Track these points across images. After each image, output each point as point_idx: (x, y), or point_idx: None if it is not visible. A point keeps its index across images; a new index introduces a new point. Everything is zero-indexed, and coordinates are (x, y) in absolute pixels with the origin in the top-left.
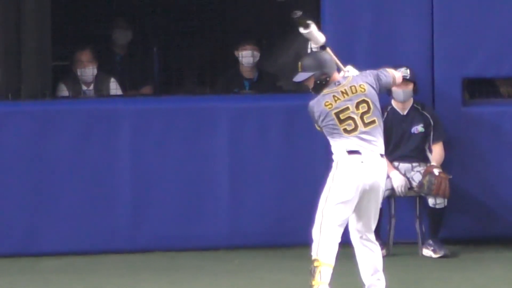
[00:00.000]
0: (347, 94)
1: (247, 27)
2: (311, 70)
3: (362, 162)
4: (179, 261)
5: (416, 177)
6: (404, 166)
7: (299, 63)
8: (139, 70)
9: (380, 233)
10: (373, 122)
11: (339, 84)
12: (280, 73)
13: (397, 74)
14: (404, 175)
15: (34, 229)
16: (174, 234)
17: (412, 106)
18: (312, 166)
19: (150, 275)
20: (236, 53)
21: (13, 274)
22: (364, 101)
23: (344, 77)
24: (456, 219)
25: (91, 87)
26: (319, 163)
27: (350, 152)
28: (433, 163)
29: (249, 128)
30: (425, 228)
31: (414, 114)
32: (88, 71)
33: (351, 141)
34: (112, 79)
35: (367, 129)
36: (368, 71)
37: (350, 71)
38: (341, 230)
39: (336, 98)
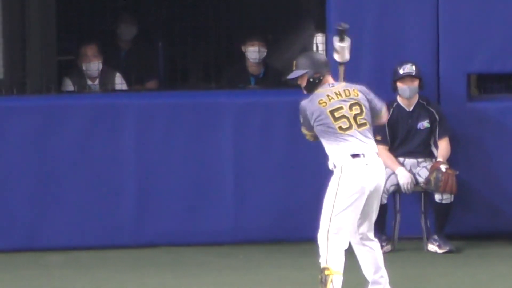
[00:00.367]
0: (340, 95)
1: (253, 22)
2: (305, 68)
3: (366, 164)
4: (184, 257)
5: (422, 172)
6: (410, 161)
7: (294, 61)
8: (144, 65)
9: (385, 228)
10: (365, 124)
11: (333, 86)
12: (286, 69)
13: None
14: (410, 171)
15: (38, 223)
16: (178, 230)
17: (418, 102)
18: (316, 162)
19: (155, 270)
20: (243, 48)
21: (17, 269)
22: (357, 103)
23: (338, 82)
24: (461, 215)
25: (96, 81)
26: (324, 158)
27: (354, 155)
28: (439, 158)
29: (254, 123)
30: (430, 223)
31: (420, 110)
32: (93, 65)
33: (351, 144)
34: (117, 74)
35: (360, 130)
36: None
37: None
38: (348, 236)
39: (330, 98)
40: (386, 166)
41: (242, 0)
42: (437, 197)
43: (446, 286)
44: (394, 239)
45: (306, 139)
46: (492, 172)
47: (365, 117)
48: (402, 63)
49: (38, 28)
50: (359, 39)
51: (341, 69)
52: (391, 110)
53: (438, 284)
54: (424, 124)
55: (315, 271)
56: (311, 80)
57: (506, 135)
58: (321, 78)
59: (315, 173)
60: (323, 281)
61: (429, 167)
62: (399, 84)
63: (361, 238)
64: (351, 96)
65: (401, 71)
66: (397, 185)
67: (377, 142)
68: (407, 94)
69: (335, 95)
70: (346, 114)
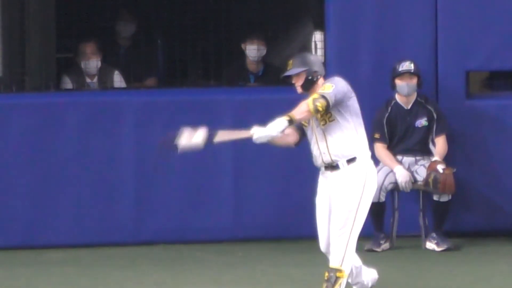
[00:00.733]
0: None
1: (252, 19)
2: (303, 66)
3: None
4: (182, 254)
5: (420, 170)
6: (408, 159)
7: (290, 61)
8: (143, 63)
9: (383, 226)
10: None
11: None
12: (285, 66)
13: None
14: (408, 169)
15: (37, 221)
16: (177, 227)
17: (416, 100)
18: None
19: (153, 267)
20: (243, 45)
21: (16, 266)
22: None
23: None
24: (459, 212)
25: (95, 79)
26: None
27: (370, 156)
28: (436, 156)
29: (253, 120)
30: (429, 221)
31: (418, 108)
32: (92, 63)
33: (365, 138)
34: (116, 72)
35: None
36: None
37: None
38: None
39: None
40: (385, 164)
41: None
42: (435, 195)
43: (444, 284)
44: (392, 237)
45: (304, 115)
46: (491, 170)
47: None
48: (401, 60)
49: (37, 26)
50: (358, 36)
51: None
52: (389, 108)
53: (436, 282)
54: (422, 122)
55: (313, 268)
56: (310, 78)
57: (505, 133)
58: (318, 77)
59: (315, 171)
60: (332, 281)
61: (427, 165)
62: (397, 81)
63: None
64: None
65: (399, 68)
66: (395, 183)
67: (376, 140)
68: (405, 91)
69: None
70: None
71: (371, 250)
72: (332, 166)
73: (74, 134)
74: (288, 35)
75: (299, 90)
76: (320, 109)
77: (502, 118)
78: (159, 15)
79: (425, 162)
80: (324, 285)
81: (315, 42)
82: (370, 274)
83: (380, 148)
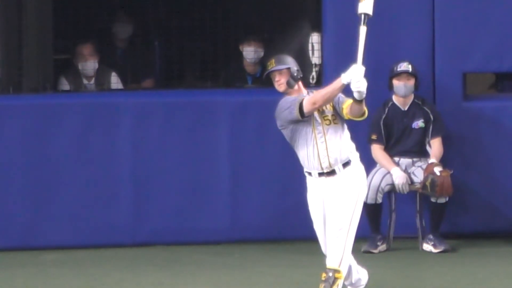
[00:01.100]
0: None
1: (249, 21)
2: (287, 64)
3: None
4: (180, 255)
5: (417, 172)
6: (405, 161)
7: (271, 60)
8: (140, 64)
9: (380, 228)
10: None
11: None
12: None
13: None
14: (405, 170)
15: (34, 222)
16: (174, 228)
17: (413, 102)
18: None
19: (151, 269)
20: (240, 47)
21: (13, 267)
22: None
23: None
24: (456, 214)
25: (92, 80)
26: None
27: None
28: (432, 158)
29: (250, 122)
30: (426, 222)
31: (415, 110)
32: (89, 64)
33: None
34: (113, 73)
35: None
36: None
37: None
38: None
39: None
40: (382, 166)
41: None
42: (433, 197)
43: (441, 286)
44: (389, 238)
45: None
46: (488, 171)
47: None
48: (399, 61)
49: (34, 27)
50: (355, 38)
51: (364, 29)
52: (386, 109)
53: (433, 283)
54: (419, 123)
55: (311, 269)
56: (295, 75)
57: (502, 134)
58: (301, 76)
59: None
60: (330, 282)
61: (424, 166)
62: (394, 82)
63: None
64: None
65: (397, 69)
66: (392, 184)
67: (373, 141)
68: (402, 92)
69: None
70: None
71: (368, 252)
72: (327, 172)
73: (72, 135)
74: (286, 37)
75: (282, 87)
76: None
77: (499, 120)
78: (156, 16)
79: (422, 163)
80: (322, 285)
81: (312, 43)
82: (361, 274)
83: (377, 150)
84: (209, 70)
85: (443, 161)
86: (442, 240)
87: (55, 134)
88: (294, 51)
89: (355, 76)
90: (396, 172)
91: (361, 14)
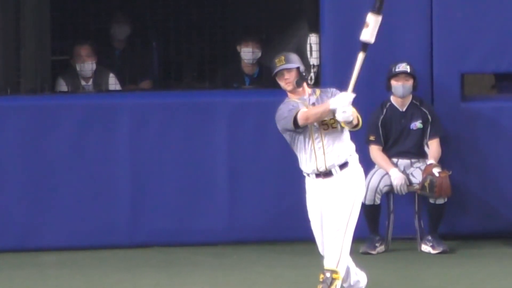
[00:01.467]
0: None
1: (247, 21)
2: (296, 63)
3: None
4: (177, 256)
5: (416, 173)
6: (403, 162)
7: (282, 56)
8: (138, 65)
9: (378, 229)
10: None
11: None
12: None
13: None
14: (403, 171)
15: (33, 224)
16: (172, 229)
17: (411, 102)
18: None
19: (149, 270)
20: (238, 47)
21: (11, 268)
22: None
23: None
24: (454, 215)
25: (90, 82)
26: None
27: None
28: (431, 159)
29: (248, 123)
30: (424, 223)
31: (413, 110)
32: (87, 66)
33: None
34: (111, 74)
35: None
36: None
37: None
38: None
39: None
40: (380, 167)
41: (236, 0)
42: (431, 198)
43: (439, 287)
44: (388, 239)
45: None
46: (486, 172)
47: None
48: (397, 62)
49: (32, 28)
50: (353, 39)
51: (363, 56)
52: (384, 110)
53: (431, 284)
54: (417, 124)
55: (308, 270)
56: (303, 75)
57: (500, 135)
58: (307, 76)
59: None
60: (328, 282)
61: (422, 167)
62: (393, 82)
63: None
64: None
65: (395, 69)
66: (391, 185)
67: (371, 142)
68: (400, 92)
69: None
70: None
71: (367, 253)
72: (324, 174)
73: (69, 136)
74: (283, 38)
75: (290, 86)
76: (359, 126)
77: (497, 121)
78: (154, 17)
79: (421, 164)
80: (320, 286)
81: (310, 44)
82: (360, 276)
83: (375, 151)
84: (207, 71)
85: (441, 162)
86: (440, 241)
87: (53, 135)
88: (292, 52)
89: (341, 105)
90: (395, 173)
91: (362, 41)
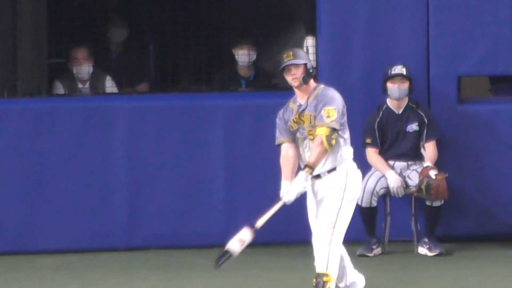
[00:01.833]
0: None
1: (243, 24)
2: (304, 59)
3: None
4: (175, 259)
5: (413, 175)
6: (400, 164)
7: (290, 52)
8: (135, 68)
9: (375, 231)
10: None
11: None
12: (276, 71)
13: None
14: (400, 174)
15: (30, 226)
16: (169, 232)
17: (407, 105)
18: None
19: (146, 273)
20: (233, 51)
21: (9, 271)
22: None
23: None
24: (451, 218)
25: (87, 84)
26: None
27: (352, 160)
28: (427, 162)
29: (245, 125)
30: (421, 226)
31: (409, 113)
32: (84, 68)
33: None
34: (108, 77)
35: None
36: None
37: None
38: None
39: None
40: (376, 169)
41: (233, 3)
42: (428, 200)
43: None
44: (384, 242)
45: (322, 156)
46: (482, 175)
47: None
48: (393, 64)
49: (29, 31)
50: (350, 41)
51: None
52: (381, 112)
53: (428, 286)
54: (413, 127)
55: (306, 273)
56: (311, 70)
57: (496, 138)
58: (314, 72)
59: None
60: (320, 286)
61: (419, 170)
62: (389, 84)
63: None
64: None
65: (391, 71)
66: (387, 188)
67: (367, 144)
68: (396, 95)
69: None
70: None
71: (363, 255)
72: (314, 176)
73: (66, 139)
74: (280, 40)
75: (297, 82)
76: (334, 142)
77: (493, 123)
78: (150, 20)
79: (417, 167)
80: None
81: (306, 47)
82: (357, 278)
83: (372, 153)
84: (203, 74)
85: (438, 164)
86: (437, 244)
87: (50, 138)
88: None
89: (293, 198)
90: (391, 175)
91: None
